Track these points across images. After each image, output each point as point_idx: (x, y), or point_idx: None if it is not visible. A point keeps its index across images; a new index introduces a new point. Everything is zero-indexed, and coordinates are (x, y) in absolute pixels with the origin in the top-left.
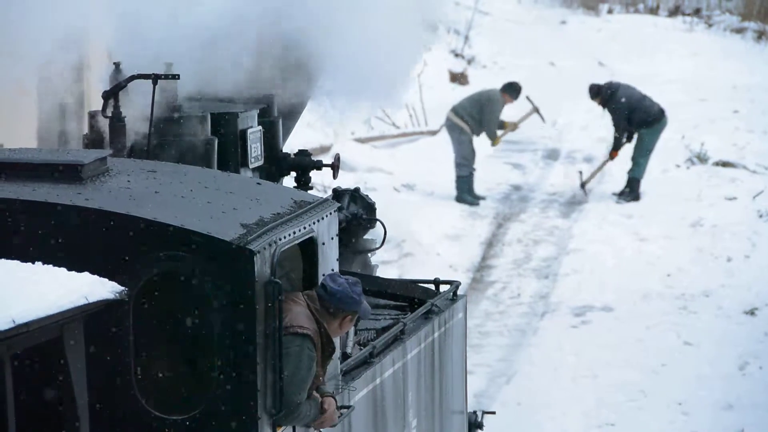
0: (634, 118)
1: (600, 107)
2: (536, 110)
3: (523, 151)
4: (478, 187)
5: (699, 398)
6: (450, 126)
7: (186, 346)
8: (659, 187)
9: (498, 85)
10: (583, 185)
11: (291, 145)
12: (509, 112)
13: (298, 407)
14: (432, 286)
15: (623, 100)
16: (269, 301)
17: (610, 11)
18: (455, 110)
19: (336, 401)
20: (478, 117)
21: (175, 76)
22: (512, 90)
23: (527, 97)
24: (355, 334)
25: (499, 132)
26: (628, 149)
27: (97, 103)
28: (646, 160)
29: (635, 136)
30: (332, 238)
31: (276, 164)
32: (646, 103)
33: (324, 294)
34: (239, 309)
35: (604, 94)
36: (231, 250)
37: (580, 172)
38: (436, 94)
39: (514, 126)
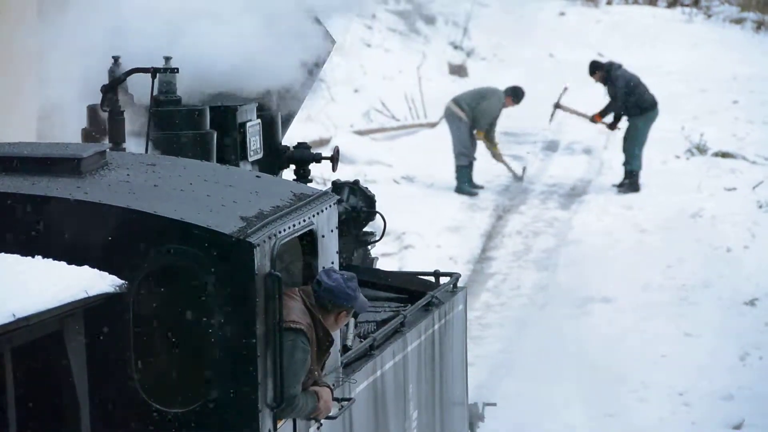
0: (630, 100)
1: (599, 84)
2: (520, 175)
3: (522, 143)
4: (478, 178)
5: (699, 389)
6: (449, 116)
7: (186, 339)
8: (659, 178)
9: (499, 78)
10: (556, 107)
11: (290, 138)
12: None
13: (294, 399)
14: (432, 279)
15: (623, 78)
16: (269, 294)
17: (609, 2)
18: (456, 100)
19: (332, 390)
20: (477, 108)
21: (174, 70)
22: (516, 94)
23: (524, 168)
24: (356, 326)
25: (486, 142)
26: (619, 137)
27: None
28: (640, 150)
29: (627, 125)
30: (332, 231)
31: (275, 157)
32: (641, 89)
33: (318, 289)
34: (239, 302)
35: (604, 71)
36: (231, 243)
37: (524, 168)
38: (435, 87)
39: (498, 155)
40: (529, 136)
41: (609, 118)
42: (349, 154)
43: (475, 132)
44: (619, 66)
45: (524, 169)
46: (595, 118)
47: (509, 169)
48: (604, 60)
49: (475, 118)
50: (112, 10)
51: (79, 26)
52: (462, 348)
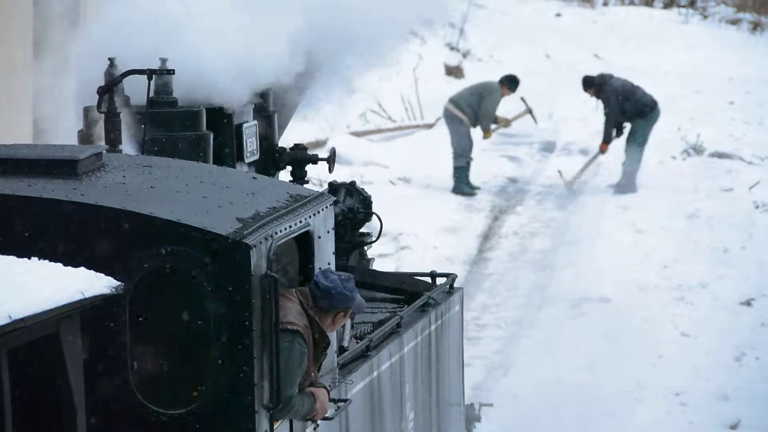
0: (628, 107)
1: (593, 99)
2: (530, 111)
3: (519, 143)
4: (474, 179)
5: (696, 389)
6: (448, 117)
7: (182, 340)
8: (655, 178)
9: (495, 78)
10: (570, 182)
11: (287, 140)
12: (504, 107)
13: (290, 401)
14: (428, 279)
15: (616, 89)
16: (265, 295)
17: (605, 3)
18: (453, 101)
19: (328, 392)
20: (477, 108)
21: (170, 72)
22: (511, 82)
23: (522, 98)
24: (352, 327)
25: (493, 126)
26: (620, 142)
27: None
28: (641, 152)
29: (628, 128)
30: (328, 232)
31: (272, 158)
32: (638, 93)
33: (316, 291)
34: (236, 303)
35: (596, 85)
36: (227, 245)
37: (560, 171)
38: (431, 88)
39: (507, 122)
40: (526, 137)
41: (612, 134)
42: (345, 156)
43: (482, 135)
44: (611, 76)
45: (522, 99)
46: (603, 148)
47: (522, 116)
48: (599, 61)
49: (479, 120)
50: (110, 11)
51: (76, 27)
52: (458, 349)
